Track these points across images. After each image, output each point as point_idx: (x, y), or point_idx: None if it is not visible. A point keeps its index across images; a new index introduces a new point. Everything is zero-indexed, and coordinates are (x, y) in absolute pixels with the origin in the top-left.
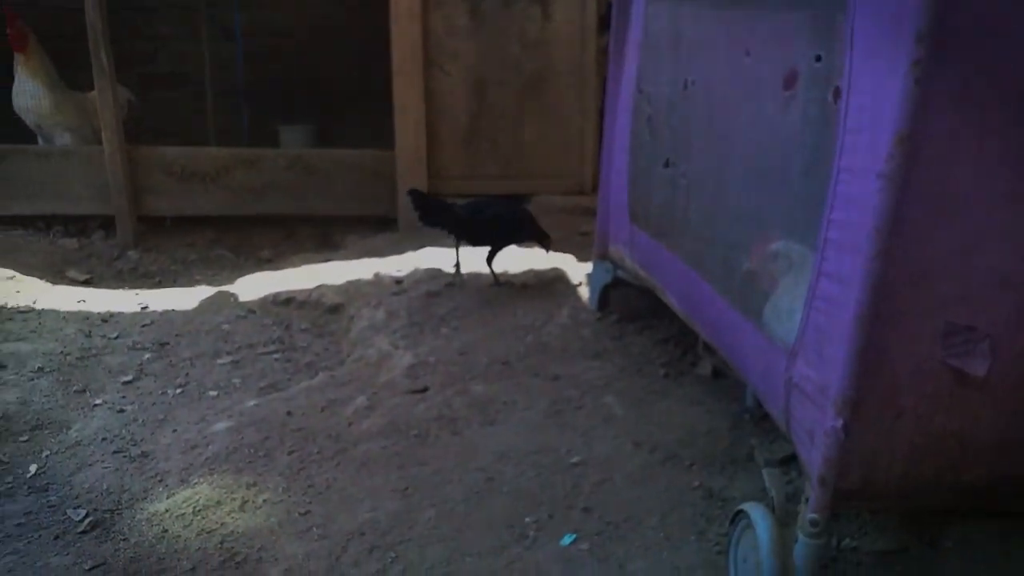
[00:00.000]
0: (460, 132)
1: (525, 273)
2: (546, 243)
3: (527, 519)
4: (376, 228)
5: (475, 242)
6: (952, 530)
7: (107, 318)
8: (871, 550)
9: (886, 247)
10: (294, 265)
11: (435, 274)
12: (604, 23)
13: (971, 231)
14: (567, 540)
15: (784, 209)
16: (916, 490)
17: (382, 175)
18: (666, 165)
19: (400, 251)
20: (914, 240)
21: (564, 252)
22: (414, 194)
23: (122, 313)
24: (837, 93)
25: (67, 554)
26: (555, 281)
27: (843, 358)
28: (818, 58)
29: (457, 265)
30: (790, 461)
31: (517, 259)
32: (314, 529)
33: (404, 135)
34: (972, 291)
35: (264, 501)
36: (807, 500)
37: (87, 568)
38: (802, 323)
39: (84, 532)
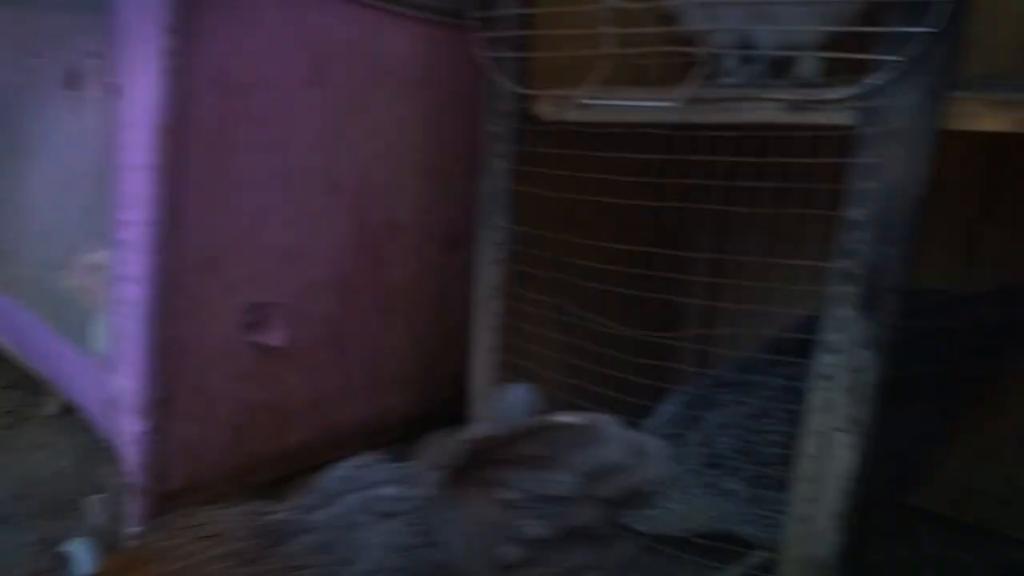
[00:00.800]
0: None
1: None
2: None
3: None
4: None
5: None
6: (287, 495)
7: None
8: None
9: (165, 239)
10: None
11: None
12: None
13: (254, 213)
14: None
15: (92, 217)
16: (242, 469)
17: None
18: None
19: None
20: (195, 228)
21: None
22: None
23: None
24: (114, 90)
25: None
26: None
27: (144, 358)
28: (95, 55)
29: None
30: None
31: None
32: None
33: None
34: (262, 269)
35: None
36: (130, 517)
37: None
38: (112, 333)
39: None
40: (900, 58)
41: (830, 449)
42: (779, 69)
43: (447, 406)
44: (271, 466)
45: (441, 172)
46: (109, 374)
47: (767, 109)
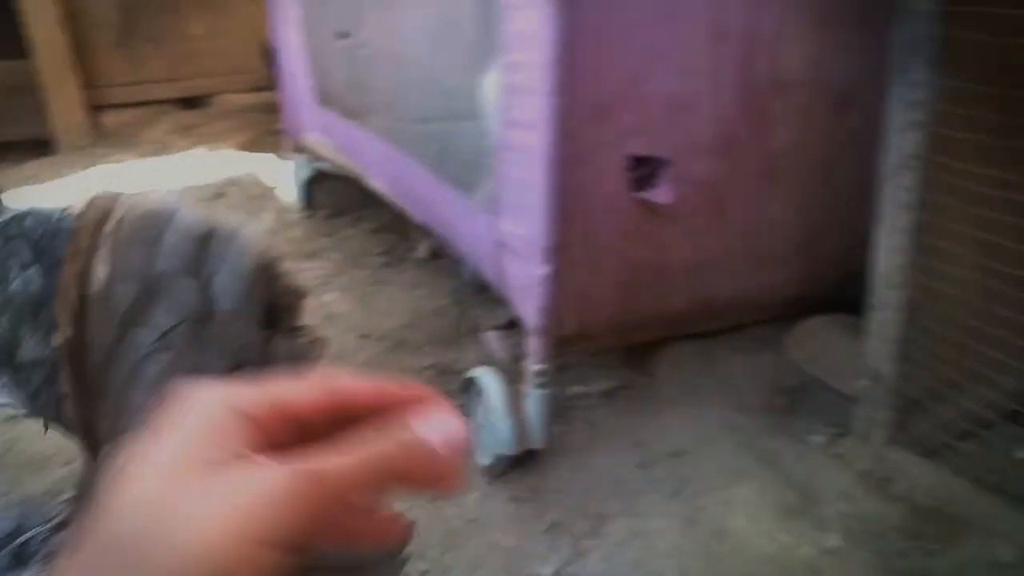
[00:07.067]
0: (112, 32)
1: (220, 184)
2: None
3: None
4: (32, 153)
5: None
6: (663, 358)
7: None
8: (597, 391)
9: (565, 80)
10: None
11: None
12: None
13: (640, 58)
14: None
15: (470, 63)
16: (626, 325)
17: (23, 90)
18: (343, 36)
19: (65, 174)
20: (587, 72)
21: (261, 152)
22: None
23: None
24: None
25: None
26: (253, 185)
27: (541, 205)
28: None
29: None
30: (513, 325)
31: (201, 166)
32: None
33: (41, 41)
34: (648, 121)
35: None
36: (530, 354)
37: None
38: (499, 179)
39: None
40: None
41: None
42: None
43: (827, 290)
44: (652, 328)
45: (834, 20)
46: (497, 219)
47: None
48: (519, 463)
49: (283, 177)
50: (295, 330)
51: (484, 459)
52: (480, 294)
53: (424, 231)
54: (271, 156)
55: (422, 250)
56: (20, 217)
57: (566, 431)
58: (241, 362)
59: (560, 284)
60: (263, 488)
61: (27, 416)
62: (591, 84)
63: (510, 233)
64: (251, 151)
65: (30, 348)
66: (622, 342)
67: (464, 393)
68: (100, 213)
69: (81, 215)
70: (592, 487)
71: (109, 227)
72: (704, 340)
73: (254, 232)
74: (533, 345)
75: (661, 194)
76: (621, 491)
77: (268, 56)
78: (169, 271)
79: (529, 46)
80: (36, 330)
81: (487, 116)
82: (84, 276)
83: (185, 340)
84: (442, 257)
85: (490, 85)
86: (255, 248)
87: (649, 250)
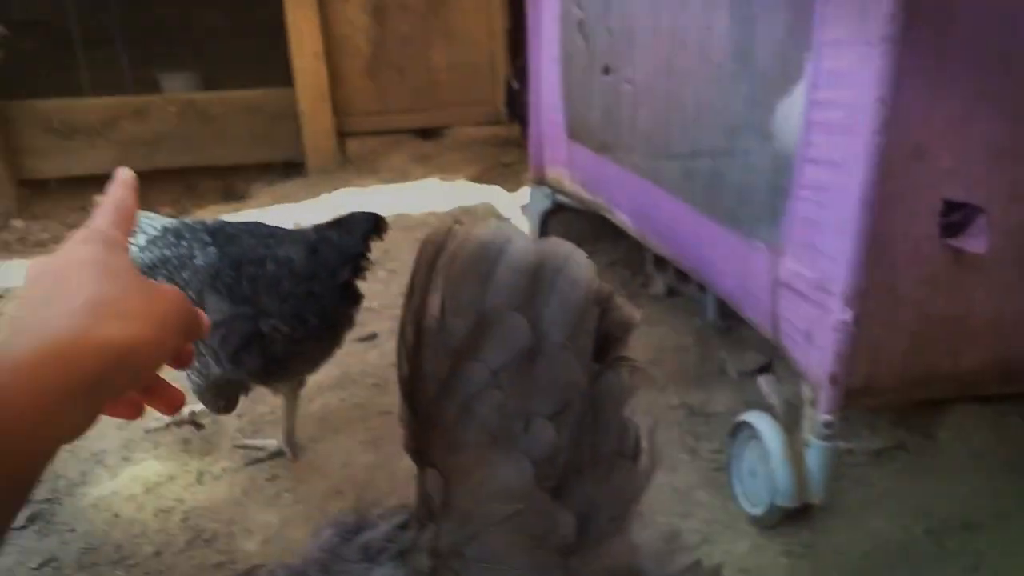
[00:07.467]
0: (363, 63)
1: (452, 212)
2: None
3: None
4: (283, 174)
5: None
6: (947, 420)
7: (3, 293)
8: (868, 450)
9: (889, 119)
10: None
11: None
12: None
13: (968, 99)
14: None
15: (754, 99)
16: (916, 381)
17: (283, 116)
18: (606, 72)
19: (315, 195)
20: (911, 111)
21: (490, 184)
22: None
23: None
24: None
25: (7, 554)
26: (487, 215)
27: (847, 247)
28: None
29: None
30: (766, 370)
31: (437, 194)
32: (285, 494)
33: (303, 70)
34: (968, 164)
35: (223, 471)
36: (813, 402)
37: (34, 566)
38: (786, 218)
39: (22, 527)
40: None
41: None
42: None
43: None
44: (941, 386)
45: None
46: (779, 258)
47: None
48: (790, 516)
49: (516, 208)
50: (620, 360)
51: (755, 508)
52: (724, 335)
53: (660, 267)
54: (498, 189)
55: (657, 287)
56: (195, 220)
57: (837, 488)
58: (568, 401)
59: (859, 331)
60: (174, 296)
61: (216, 374)
62: (913, 124)
63: (795, 274)
64: (481, 183)
65: (212, 308)
66: (906, 399)
67: (732, 437)
68: (434, 248)
69: (418, 253)
70: (874, 551)
71: (443, 261)
72: (993, 404)
73: (585, 261)
74: (823, 393)
75: (975, 243)
76: (907, 559)
77: (508, 92)
78: (500, 305)
79: (846, 84)
80: (215, 292)
81: (775, 154)
82: (420, 311)
83: (513, 379)
84: (678, 294)
85: (783, 123)
86: (587, 278)
87: (950, 302)
